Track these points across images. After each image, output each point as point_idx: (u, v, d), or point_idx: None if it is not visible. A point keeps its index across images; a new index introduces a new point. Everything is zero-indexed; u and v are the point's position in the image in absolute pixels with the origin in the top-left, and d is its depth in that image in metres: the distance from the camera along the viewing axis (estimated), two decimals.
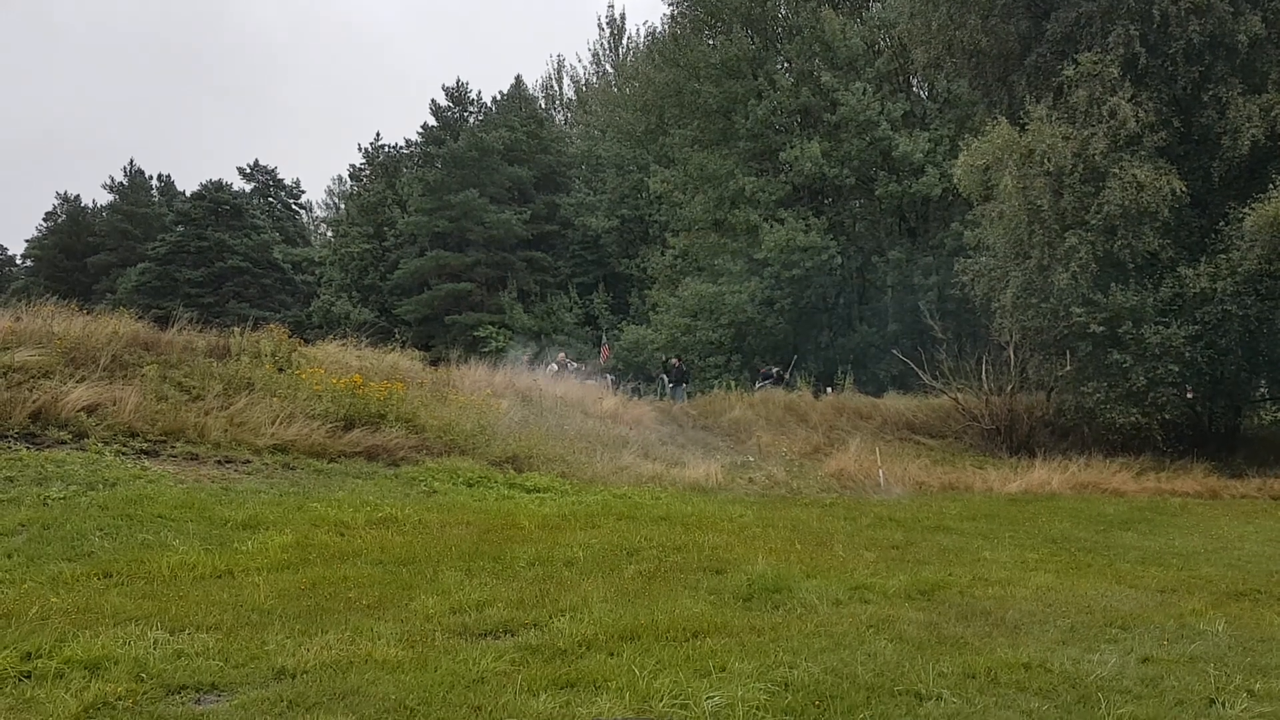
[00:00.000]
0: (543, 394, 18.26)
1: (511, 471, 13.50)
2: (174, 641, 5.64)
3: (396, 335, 25.02)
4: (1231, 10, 18.80)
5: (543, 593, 7.19)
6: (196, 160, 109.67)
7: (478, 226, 45.61)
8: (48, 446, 10.68)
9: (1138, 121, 18.69)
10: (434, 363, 22.37)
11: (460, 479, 12.63)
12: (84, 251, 62.60)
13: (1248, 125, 18.69)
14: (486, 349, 33.98)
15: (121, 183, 64.97)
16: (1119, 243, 18.87)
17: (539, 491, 12.69)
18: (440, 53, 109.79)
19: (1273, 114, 18.75)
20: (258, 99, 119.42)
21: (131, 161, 66.29)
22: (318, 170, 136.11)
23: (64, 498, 9.13)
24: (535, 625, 6.37)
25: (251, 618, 6.22)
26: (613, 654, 5.79)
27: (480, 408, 15.67)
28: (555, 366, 21.26)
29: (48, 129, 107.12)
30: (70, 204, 65.60)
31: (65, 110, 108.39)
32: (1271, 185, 17.90)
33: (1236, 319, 18.31)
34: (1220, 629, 6.91)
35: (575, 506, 11.72)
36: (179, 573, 7.23)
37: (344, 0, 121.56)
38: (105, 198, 65.72)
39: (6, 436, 10.68)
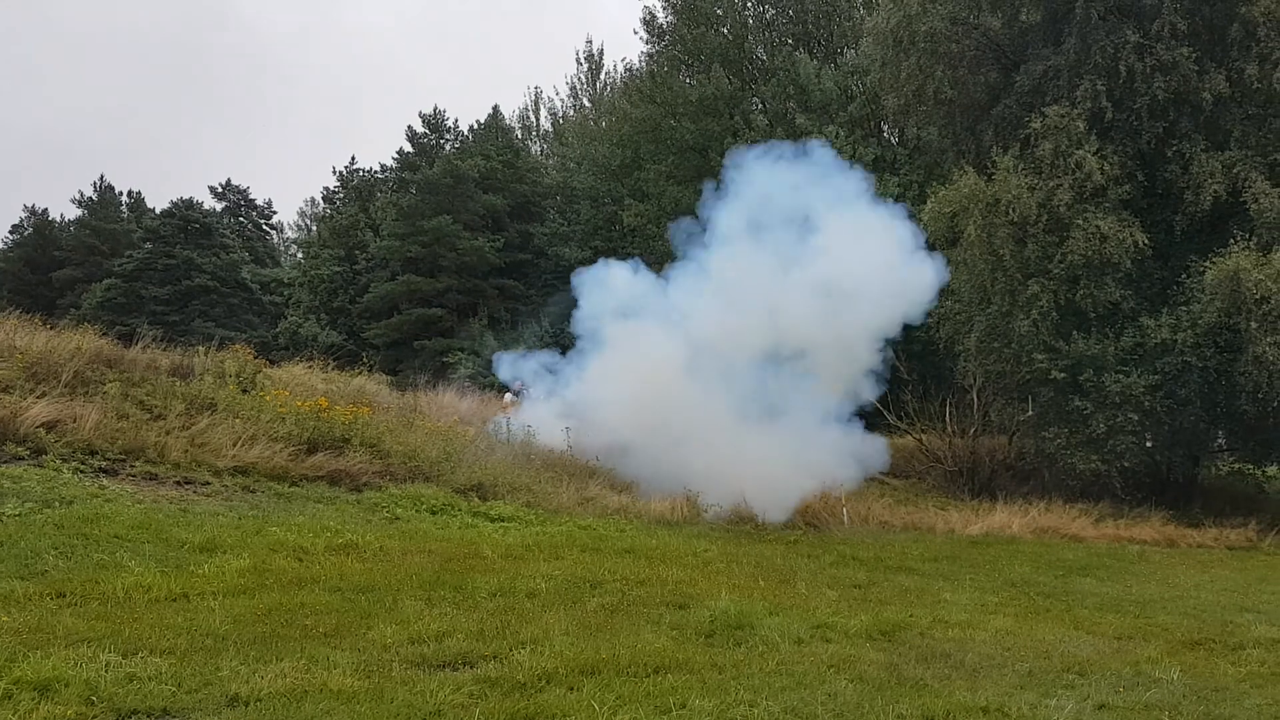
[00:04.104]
0: (510, 422, 18.19)
1: (476, 500, 13.41)
2: (126, 664, 5.55)
3: (364, 359, 24.91)
4: (1196, 69, 19.28)
5: (504, 624, 7.14)
6: (171, 171, 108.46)
7: (450, 253, 45.54)
8: (4, 462, 10.48)
9: (1103, 174, 19.06)
10: (401, 388, 22.27)
11: (424, 506, 12.53)
12: (49, 266, 61.80)
13: (1210, 181, 19.11)
14: (455, 375, 33.82)
15: (90, 198, 64.37)
16: (1081, 292, 19.20)
17: (503, 521, 12.61)
18: (418, 81, 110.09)
19: (1234, 171, 19.20)
20: (234, 113, 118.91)
21: (101, 177, 65.75)
22: (291, 189, 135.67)
23: (19, 515, 8.96)
24: (495, 657, 6.33)
25: (206, 642, 6.13)
26: (573, 688, 5.76)
27: (447, 434, 15.59)
28: (511, 396, 20.99)
29: (16, 140, 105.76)
30: (37, 217, 64.87)
31: (36, 121, 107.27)
32: (1232, 240, 18.30)
33: (1196, 370, 18.63)
34: (1175, 677, 6.98)
35: (539, 537, 11.66)
36: (134, 594, 7.11)
37: (337, 18, 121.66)
38: (73, 212, 65.13)
39: None
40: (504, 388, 22.17)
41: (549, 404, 18.56)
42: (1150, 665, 7.35)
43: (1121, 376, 18.67)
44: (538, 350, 22.09)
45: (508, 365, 21.31)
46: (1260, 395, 18.01)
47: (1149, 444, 20.39)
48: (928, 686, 6.35)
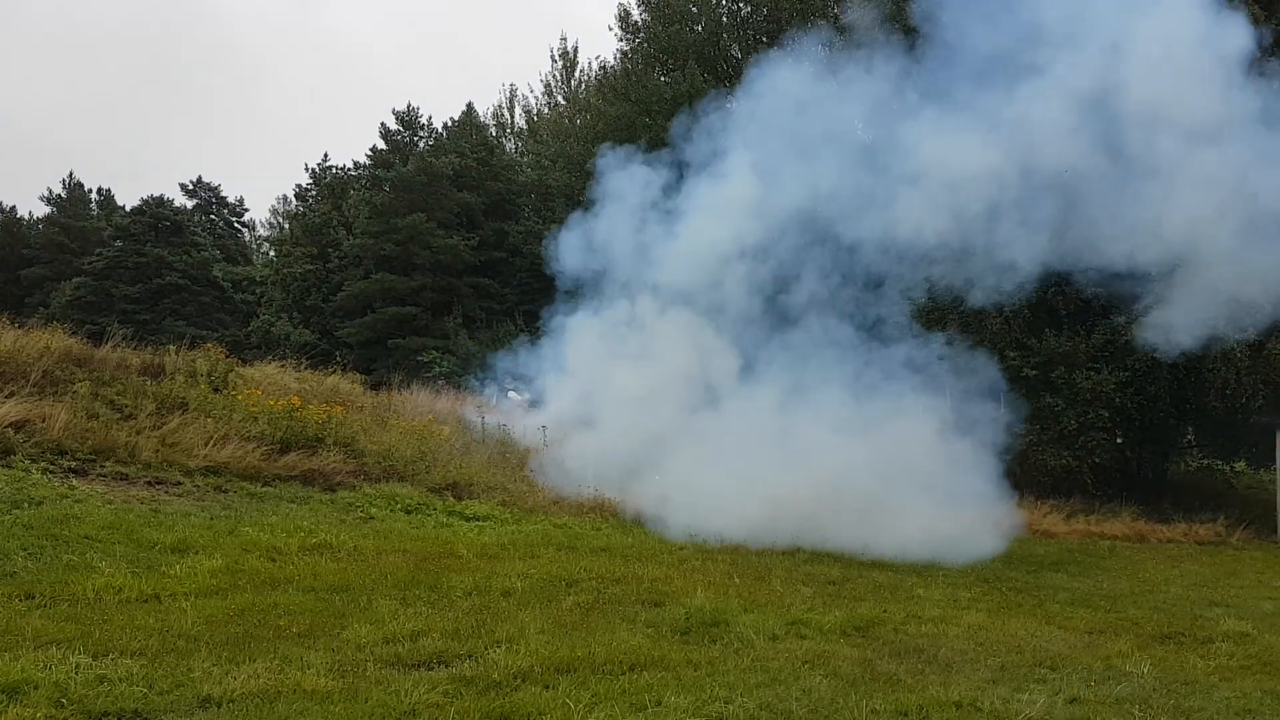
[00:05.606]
0: (486, 421, 18.14)
1: (451, 499, 13.37)
2: (97, 666, 5.50)
3: (337, 358, 24.77)
4: None
5: (479, 623, 7.13)
6: (141, 168, 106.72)
7: (424, 251, 45.33)
8: None
9: None
10: (375, 387, 22.15)
11: (398, 505, 12.48)
12: (17, 264, 61.02)
13: None
14: (429, 374, 33.70)
15: (59, 195, 63.63)
16: (1052, 289, 19.37)
17: (478, 520, 12.58)
18: (391, 78, 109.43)
19: None
20: (205, 110, 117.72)
21: (71, 174, 64.98)
22: (263, 187, 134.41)
23: None
24: (470, 656, 6.32)
25: (178, 644, 6.09)
26: (548, 687, 5.76)
27: (421, 433, 15.53)
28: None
29: None
30: (5, 214, 64.05)
31: (3, 116, 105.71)
32: None
33: (1165, 367, 18.83)
34: (1145, 671, 7.06)
35: (515, 536, 11.64)
36: (104, 596, 7.05)
37: (310, 15, 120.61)
38: (42, 209, 64.36)
39: None
40: (505, 382, 21.98)
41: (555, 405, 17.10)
42: (1121, 659, 7.42)
43: (1092, 373, 18.85)
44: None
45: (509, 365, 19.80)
46: (1228, 392, 18.23)
47: (1119, 440, 20.60)
48: (901, 682, 6.39)
